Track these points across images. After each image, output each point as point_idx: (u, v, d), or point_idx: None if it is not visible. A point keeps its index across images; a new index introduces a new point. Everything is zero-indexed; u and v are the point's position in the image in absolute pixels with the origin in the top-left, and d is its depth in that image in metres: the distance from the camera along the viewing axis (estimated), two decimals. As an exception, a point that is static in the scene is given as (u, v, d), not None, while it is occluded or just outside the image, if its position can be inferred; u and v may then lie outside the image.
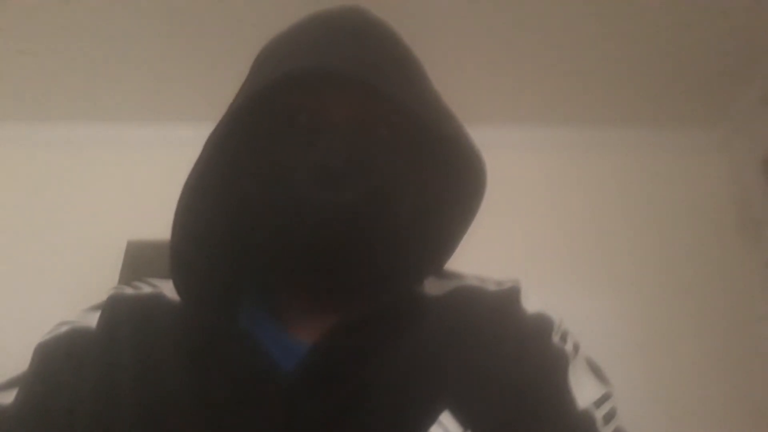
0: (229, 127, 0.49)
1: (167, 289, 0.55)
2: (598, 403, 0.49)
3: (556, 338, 0.53)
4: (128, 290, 0.56)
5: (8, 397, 0.48)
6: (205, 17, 1.52)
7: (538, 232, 1.81)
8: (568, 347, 0.53)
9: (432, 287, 0.57)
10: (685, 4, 1.48)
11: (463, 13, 1.52)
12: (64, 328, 0.52)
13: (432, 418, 0.45)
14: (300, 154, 0.47)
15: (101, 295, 0.56)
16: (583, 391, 0.49)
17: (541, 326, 0.54)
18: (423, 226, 0.55)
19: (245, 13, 1.50)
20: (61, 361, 0.49)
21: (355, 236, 0.47)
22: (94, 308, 0.54)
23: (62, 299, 1.57)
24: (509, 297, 0.56)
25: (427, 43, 1.59)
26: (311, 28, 0.52)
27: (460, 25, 1.56)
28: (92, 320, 0.52)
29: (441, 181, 0.57)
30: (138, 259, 1.61)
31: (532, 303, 0.56)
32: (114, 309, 0.53)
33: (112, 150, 1.88)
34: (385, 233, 0.49)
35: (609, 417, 0.49)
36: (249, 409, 0.46)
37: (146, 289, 0.57)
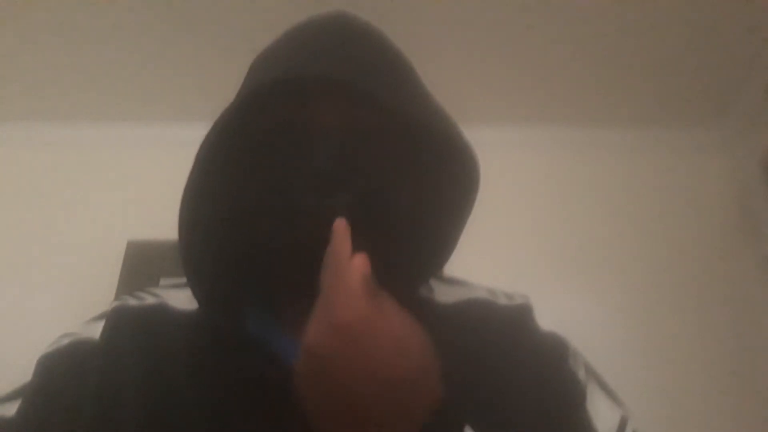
0: (221, 134, 0.49)
1: (171, 298, 0.55)
2: (620, 429, 0.49)
3: (571, 362, 0.53)
4: (132, 301, 0.56)
5: (10, 410, 0.47)
6: (206, 17, 1.52)
7: (537, 232, 1.81)
8: (582, 372, 0.53)
9: (441, 294, 0.57)
10: (686, 4, 1.48)
11: (462, 14, 1.52)
12: (66, 341, 0.52)
13: None
14: (292, 160, 0.47)
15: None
16: (602, 418, 0.49)
17: (556, 349, 0.54)
18: (420, 227, 0.55)
19: (245, 14, 1.50)
20: (64, 373, 0.49)
21: (351, 239, 0.46)
22: (96, 319, 0.54)
23: (62, 299, 1.57)
24: (522, 314, 0.56)
25: (427, 43, 1.59)
26: (299, 35, 0.53)
27: (460, 25, 1.56)
28: (95, 331, 0.52)
29: (435, 179, 0.56)
30: (138, 259, 1.61)
31: (543, 322, 0.56)
32: (118, 320, 0.53)
33: (112, 150, 1.88)
34: (382, 235, 0.49)
35: None
36: (258, 413, 0.46)
37: (150, 300, 0.56)
